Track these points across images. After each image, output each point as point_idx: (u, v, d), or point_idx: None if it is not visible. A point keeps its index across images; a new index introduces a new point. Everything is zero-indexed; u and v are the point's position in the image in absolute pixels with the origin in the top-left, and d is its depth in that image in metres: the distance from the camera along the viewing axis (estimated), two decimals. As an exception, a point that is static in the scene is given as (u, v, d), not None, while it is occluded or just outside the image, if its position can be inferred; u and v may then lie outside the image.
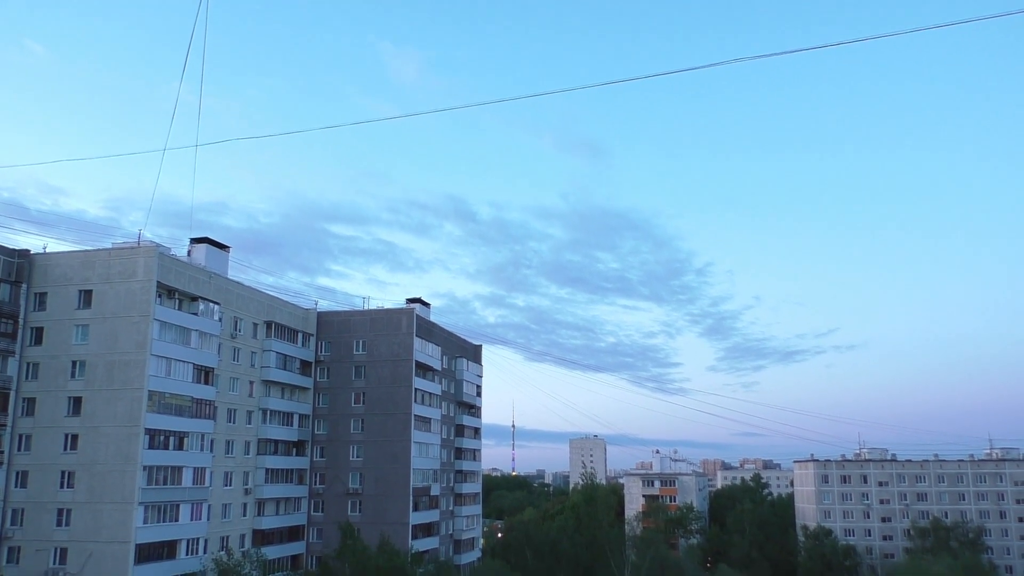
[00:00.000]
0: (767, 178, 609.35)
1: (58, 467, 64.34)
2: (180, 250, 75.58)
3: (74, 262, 68.21)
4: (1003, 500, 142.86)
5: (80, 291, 67.26)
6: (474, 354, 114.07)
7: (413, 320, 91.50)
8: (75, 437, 64.69)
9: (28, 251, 68.61)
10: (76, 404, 65.35)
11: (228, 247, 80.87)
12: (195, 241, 78.01)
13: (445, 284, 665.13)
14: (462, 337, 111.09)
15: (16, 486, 64.86)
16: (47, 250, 70.06)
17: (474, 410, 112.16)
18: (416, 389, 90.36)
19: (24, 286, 67.36)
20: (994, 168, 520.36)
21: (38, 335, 67.38)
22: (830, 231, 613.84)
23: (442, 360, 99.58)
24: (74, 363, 66.10)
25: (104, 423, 64.18)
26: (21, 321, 66.95)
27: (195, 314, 71.01)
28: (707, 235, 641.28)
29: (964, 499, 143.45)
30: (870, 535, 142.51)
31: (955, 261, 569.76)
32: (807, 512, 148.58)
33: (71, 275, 67.76)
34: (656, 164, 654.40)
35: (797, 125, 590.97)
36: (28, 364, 67.00)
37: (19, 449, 65.58)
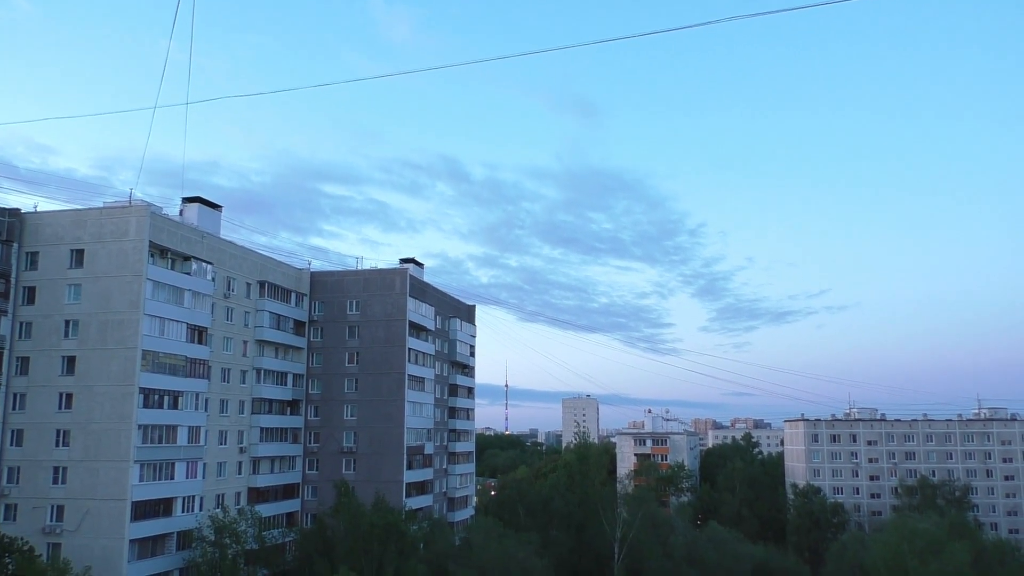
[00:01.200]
0: (761, 139, 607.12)
1: (53, 425, 64.66)
2: (172, 209, 75.24)
3: (65, 221, 67.85)
4: (990, 459, 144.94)
5: (72, 250, 67.00)
6: (467, 314, 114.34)
7: (406, 280, 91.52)
8: (69, 396, 64.92)
9: (19, 210, 68.15)
10: (70, 363, 65.48)
11: (220, 207, 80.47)
12: (187, 200, 77.53)
13: (438, 244, 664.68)
14: (455, 297, 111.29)
15: (11, 444, 65.19)
16: (38, 209, 69.66)
17: (467, 370, 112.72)
18: (410, 349, 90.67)
19: (15, 245, 67.04)
20: (988, 129, 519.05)
21: (30, 294, 67.25)
22: (823, 192, 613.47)
23: (435, 320, 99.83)
24: (67, 322, 66.08)
25: (98, 382, 64.38)
26: (13, 280, 66.75)
27: (188, 274, 70.88)
28: (700, 196, 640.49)
29: (951, 458, 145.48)
30: (858, 493, 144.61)
31: (947, 223, 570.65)
32: (796, 470, 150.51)
33: (62, 234, 67.44)
34: (650, 124, 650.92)
35: (791, 85, 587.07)
36: (21, 323, 66.93)
37: (14, 408, 65.81)
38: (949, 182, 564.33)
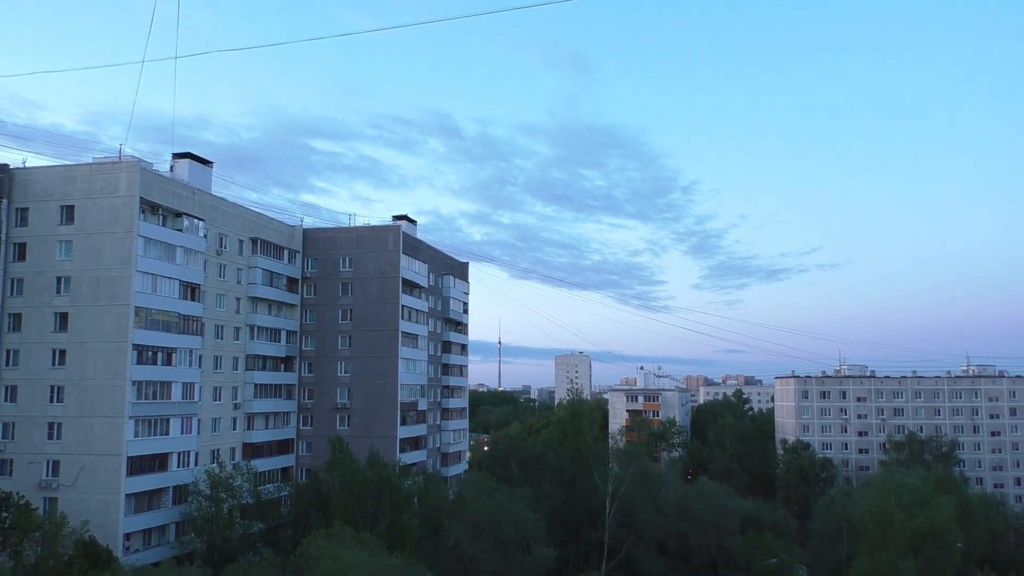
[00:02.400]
0: (755, 96, 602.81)
1: (47, 382, 64.80)
2: (162, 166, 74.57)
3: (55, 177, 67.26)
4: (977, 415, 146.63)
5: (62, 207, 66.53)
6: (461, 271, 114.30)
7: (399, 237, 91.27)
8: (63, 352, 64.97)
9: (7, 166, 67.50)
10: (63, 320, 65.42)
11: (211, 163, 79.81)
12: (177, 156, 76.82)
13: (430, 201, 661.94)
14: (448, 254, 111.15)
15: (6, 400, 65.35)
16: (26, 165, 69.02)
17: (461, 327, 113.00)
18: (403, 306, 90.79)
19: (5, 201, 66.50)
20: (981, 89, 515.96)
21: (21, 251, 66.89)
22: (817, 150, 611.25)
23: (429, 277, 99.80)
24: (59, 279, 65.87)
25: (91, 339, 64.40)
26: (3, 236, 66.34)
27: (180, 230, 70.53)
28: (694, 153, 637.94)
29: (939, 414, 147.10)
30: (847, 448, 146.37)
31: (940, 182, 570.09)
32: (786, 426, 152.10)
33: (52, 190, 66.91)
34: (644, 81, 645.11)
35: (786, 43, 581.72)
36: (12, 280, 66.70)
37: (7, 364, 65.85)
38: (942, 141, 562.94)
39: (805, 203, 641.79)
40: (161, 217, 69.26)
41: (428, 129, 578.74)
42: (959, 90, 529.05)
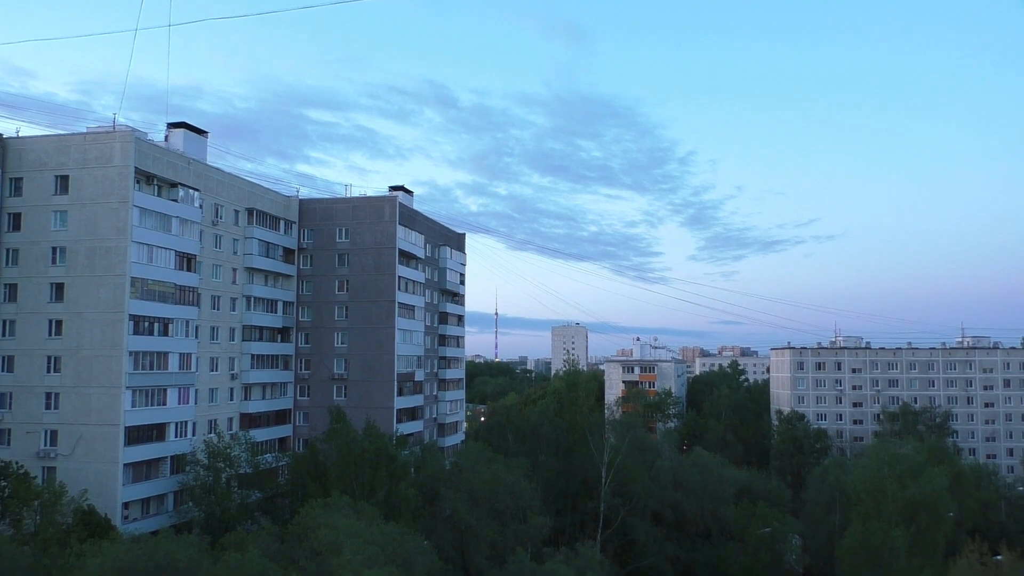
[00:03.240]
0: (752, 68, 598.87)
1: (44, 352, 64.85)
2: (156, 135, 74.14)
3: (49, 147, 66.82)
4: (971, 386, 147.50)
5: (56, 176, 66.16)
6: (457, 242, 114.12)
7: (396, 208, 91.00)
8: (59, 323, 64.95)
9: (0, 135, 67.02)
10: (59, 290, 65.32)
11: (206, 132, 79.32)
12: (172, 126, 76.35)
13: (426, 172, 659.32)
14: (445, 225, 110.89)
15: (3, 370, 65.41)
16: (20, 134, 68.52)
17: (457, 298, 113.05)
18: (400, 277, 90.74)
19: (-1, 171, 66.16)
20: (980, 62, 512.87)
21: (16, 221, 66.60)
22: (814, 122, 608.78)
23: (425, 248, 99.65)
24: (54, 249, 65.66)
25: (88, 309, 64.36)
26: (-2, 207, 66.03)
27: (175, 200, 70.24)
28: (690, 124, 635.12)
29: (933, 385, 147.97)
30: (841, 419, 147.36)
31: (936, 154, 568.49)
32: (782, 397, 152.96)
33: (46, 160, 66.50)
34: (640, 51, 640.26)
35: (784, 13, 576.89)
36: (8, 250, 66.47)
37: (3, 334, 65.82)
38: (940, 114, 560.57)
39: (802, 174, 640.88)
40: (156, 187, 68.95)
41: (424, 99, 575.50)
42: (957, 62, 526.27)
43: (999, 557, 51.87)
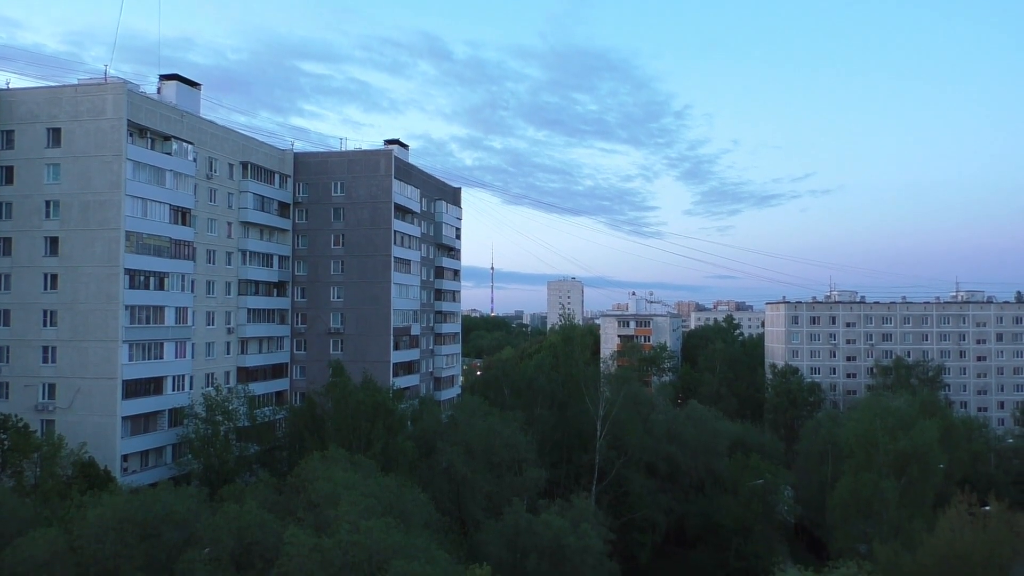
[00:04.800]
0: (748, 19, 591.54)
1: (39, 306, 64.88)
2: (148, 88, 73.24)
3: (40, 99, 66.05)
4: (964, 340, 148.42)
5: (48, 129, 65.53)
6: (453, 197, 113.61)
7: (391, 162, 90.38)
8: (54, 277, 64.87)
9: (-10, 87, 66.24)
10: (53, 244, 65.11)
11: (199, 85, 78.38)
12: (164, 78, 75.38)
13: (421, 125, 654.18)
14: (441, 179, 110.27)
15: (-1, 324, 65.57)
16: (10, 86, 67.70)
17: (453, 252, 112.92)
18: (395, 231, 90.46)
19: (-11, 123, 65.46)
20: (977, 18, 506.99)
21: (8, 174, 66.11)
22: (810, 76, 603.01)
23: (421, 202, 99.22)
24: (48, 203, 65.31)
25: (83, 263, 64.22)
26: (-11, 160, 65.48)
27: (168, 154, 69.70)
28: (686, 77, 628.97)
29: (927, 339, 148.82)
30: (835, 373, 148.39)
31: (931, 109, 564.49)
32: (776, 351, 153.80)
33: (38, 112, 65.78)
34: (636, 2, 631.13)
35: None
36: (1, 204, 66.09)
37: (-1, 289, 65.84)
38: (936, 68, 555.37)
39: (798, 129, 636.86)
40: (149, 140, 68.35)
41: (418, 51, 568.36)
42: (954, 18, 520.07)
43: (987, 508, 52.70)
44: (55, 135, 65.43)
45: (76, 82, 67.33)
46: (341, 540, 37.65)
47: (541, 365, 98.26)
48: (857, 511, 65.62)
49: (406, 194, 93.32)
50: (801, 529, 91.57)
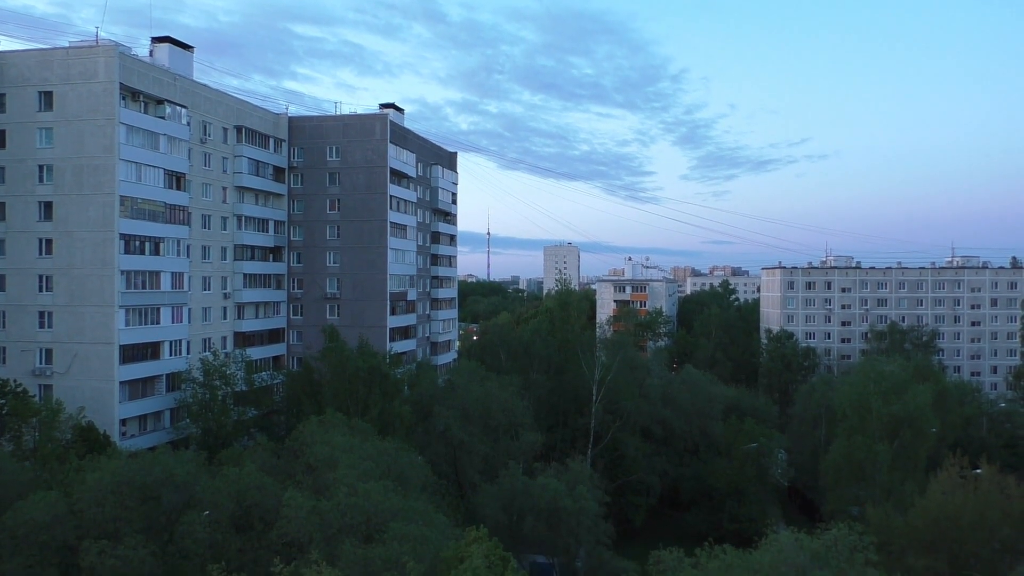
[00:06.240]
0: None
1: (35, 271, 64.73)
2: (140, 50, 72.47)
3: (31, 62, 65.30)
4: (959, 305, 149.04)
5: (40, 92, 64.84)
6: (449, 161, 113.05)
7: (387, 126, 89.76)
8: (49, 242, 64.65)
9: (-20, 49, 65.46)
10: (47, 209, 64.79)
11: (192, 47, 77.55)
12: (156, 41, 74.56)
13: (416, 89, 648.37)
14: (436, 144, 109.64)
15: (-5, 290, 65.47)
16: (0, 48, 66.92)
17: (449, 217, 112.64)
18: (391, 196, 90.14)
19: (-20, 87, 64.78)
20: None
21: (1, 138, 65.56)
22: (808, 39, 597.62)
23: (417, 167, 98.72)
24: (41, 167, 64.85)
25: (77, 228, 63.96)
26: (-19, 124, 64.90)
27: (162, 118, 69.12)
28: (683, 40, 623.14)
29: (922, 305, 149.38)
30: (829, 338, 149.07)
31: (928, 73, 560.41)
32: (771, 316, 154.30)
33: (29, 75, 65.07)
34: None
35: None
36: (-6, 168, 65.69)
37: (-6, 254, 65.61)
38: (932, 33, 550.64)
39: (795, 93, 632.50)
40: (142, 104, 67.75)
41: (412, 13, 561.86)
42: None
43: (979, 471, 53.19)
44: (47, 98, 64.79)
45: (67, 45, 66.58)
46: (339, 502, 38.02)
47: (537, 330, 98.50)
48: (850, 474, 66.28)
49: (402, 159, 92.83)
50: (794, 492, 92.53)
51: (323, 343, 72.86)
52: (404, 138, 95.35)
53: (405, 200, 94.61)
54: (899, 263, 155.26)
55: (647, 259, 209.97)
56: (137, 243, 66.09)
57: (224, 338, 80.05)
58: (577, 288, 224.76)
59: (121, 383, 63.88)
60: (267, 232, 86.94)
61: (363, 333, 78.73)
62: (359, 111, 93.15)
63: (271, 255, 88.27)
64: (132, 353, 65.36)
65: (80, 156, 63.94)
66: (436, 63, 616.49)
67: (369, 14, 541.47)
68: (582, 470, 60.06)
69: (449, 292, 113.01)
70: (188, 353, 71.96)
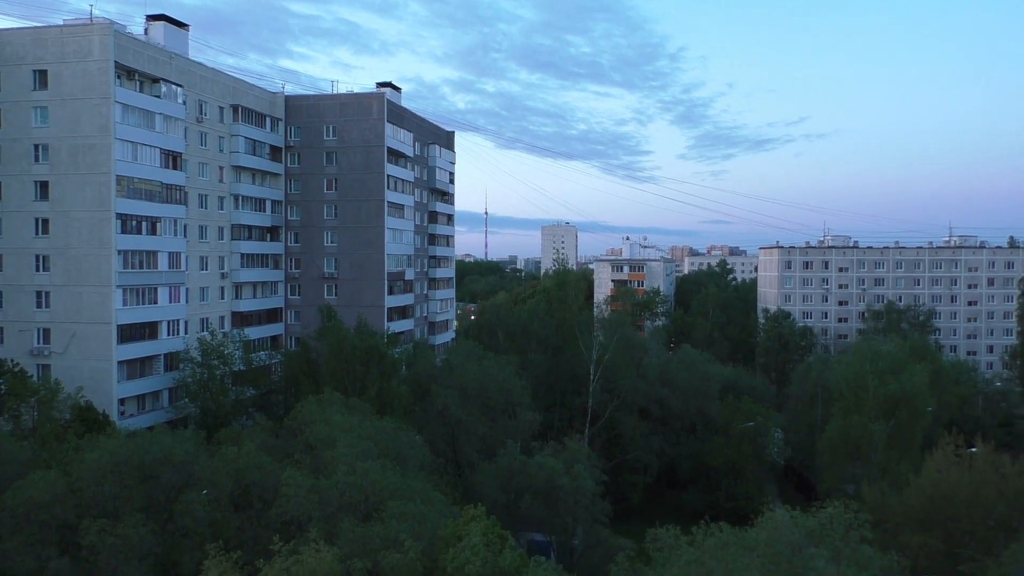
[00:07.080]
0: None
1: (32, 251, 64.59)
2: (135, 29, 72.02)
3: (24, 40, 64.81)
4: (955, 285, 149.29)
5: (35, 71, 64.42)
6: (446, 141, 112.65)
7: (384, 105, 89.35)
8: (46, 222, 64.48)
9: (-26, 27, 64.90)
10: (43, 188, 64.55)
11: (187, 25, 76.99)
12: (151, 18, 74.02)
13: (412, 68, 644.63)
14: (434, 123, 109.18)
15: (-9, 269, 65.35)
16: (-6, 26, 66.38)
17: (447, 197, 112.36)
18: (388, 176, 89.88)
19: (-26, 65, 64.33)
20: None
21: (-5, 117, 65.24)
22: (806, 18, 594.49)
23: (414, 147, 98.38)
24: (36, 147, 64.55)
25: (74, 208, 63.79)
26: (-24, 102, 64.51)
27: (158, 97, 68.70)
28: (681, 18, 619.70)
29: (919, 284, 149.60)
30: (826, 317, 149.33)
31: (927, 53, 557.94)
32: (769, 296, 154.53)
33: (23, 54, 64.60)
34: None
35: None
36: (-11, 147, 65.36)
37: (-10, 233, 65.42)
38: (931, 12, 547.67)
39: (793, 72, 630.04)
40: (138, 83, 67.36)
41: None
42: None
43: (974, 449, 53.41)
44: (42, 77, 64.38)
45: (62, 23, 66.08)
46: (338, 481, 38.19)
47: (535, 310, 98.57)
48: (846, 453, 66.58)
49: (399, 138, 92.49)
50: (790, 470, 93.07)
51: (321, 323, 72.90)
52: (401, 117, 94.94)
53: (402, 180, 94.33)
54: (896, 242, 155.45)
55: (645, 239, 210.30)
56: (134, 223, 65.92)
57: (222, 318, 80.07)
58: (575, 268, 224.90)
59: (119, 363, 63.94)
60: (264, 212, 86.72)
61: (361, 313, 78.77)
62: (356, 90, 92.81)
63: (268, 235, 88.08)
64: (130, 333, 65.37)
65: (76, 135, 63.64)
66: (433, 42, 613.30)
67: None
68: (579, 449, 60.26)
69: (447, 272, 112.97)
70: (186, 333, 71.96)
